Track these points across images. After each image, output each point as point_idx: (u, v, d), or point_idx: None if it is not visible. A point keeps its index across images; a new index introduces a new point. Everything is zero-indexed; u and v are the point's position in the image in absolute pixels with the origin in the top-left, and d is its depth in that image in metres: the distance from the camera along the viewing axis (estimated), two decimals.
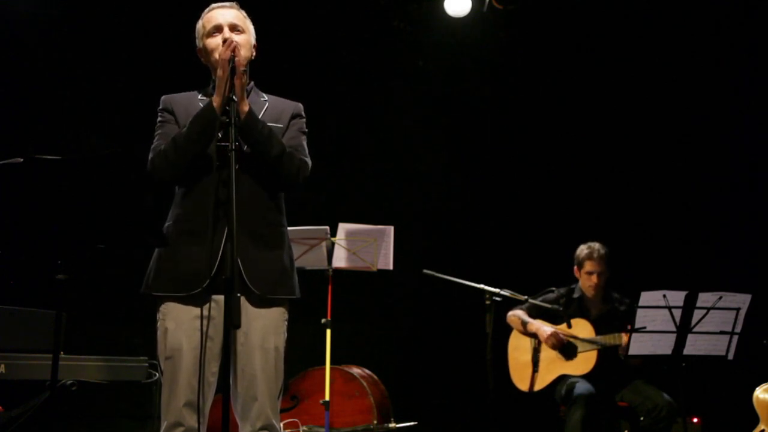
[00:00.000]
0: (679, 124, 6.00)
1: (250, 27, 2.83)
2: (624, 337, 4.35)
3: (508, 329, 4.91)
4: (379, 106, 6.21)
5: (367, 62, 6.16)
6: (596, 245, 4.78)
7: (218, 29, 2.74)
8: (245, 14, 2.84)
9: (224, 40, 2.67)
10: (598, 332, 4.59)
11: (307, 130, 2.87)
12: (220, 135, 2.59)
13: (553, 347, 4.65)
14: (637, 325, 3.79)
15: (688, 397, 4.01)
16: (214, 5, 2.82)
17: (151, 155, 2.69)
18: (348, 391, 4.70)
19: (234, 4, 2.84)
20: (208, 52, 2.76)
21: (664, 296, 3.75)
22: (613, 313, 4.75)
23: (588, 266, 4.75)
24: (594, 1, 5.97)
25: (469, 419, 5.75)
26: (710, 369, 4.27)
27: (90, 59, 5.48)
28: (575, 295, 4.83)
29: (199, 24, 2.82)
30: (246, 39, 2.76)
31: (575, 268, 4.85)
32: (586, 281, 4.77)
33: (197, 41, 2.83)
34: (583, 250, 4.81)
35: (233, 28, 2.75)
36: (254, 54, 2.82)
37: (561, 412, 4.64)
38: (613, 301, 4.81)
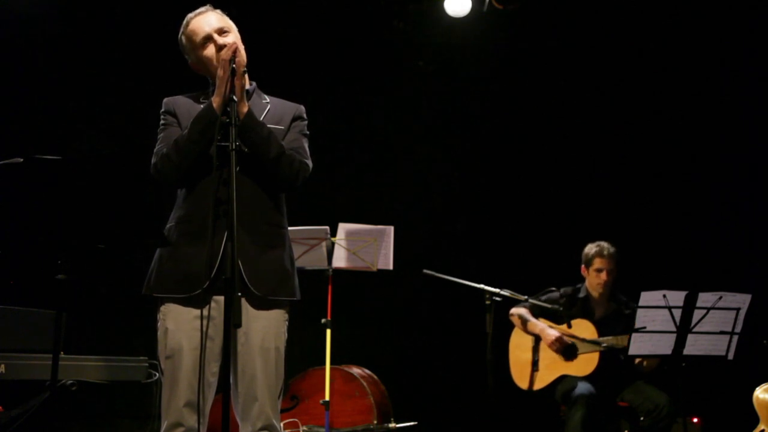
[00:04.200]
0: (679, 124, 6.00)
1: (232, 24, 2.81)
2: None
3: (509, 329, 4.91)
4: (379, 106, 6.21)
5: (367, 62, 6.15)
6: (605, 244, 4.78)
7: (209, 39, 2.73)
8: (221, 12, 2.81)
9: (221, 47, 2.66)
10: (601, 333, 4.59)
11: (308, 132, 2.87)
12: (220, 136, 2.58)
13: (557, 351, 4.64)
14: (637, 325, 3.79)
15: (688, 397, 4.01)
16: (190, 16, 2.78)
17: (153, 159, 2.68)
18: (348, 391, 4.70)
19: (209, 6, 2.81)
20: (205, 62, 2.74)
21: (664, 296, 3.75)
22: (618, 315, 4.74)
23: (597, 263, 4.74)
24: (594, 1, 5.97)
25: (469, 419, 5.75)
26: (710, 369, 4.27)
27: (90, 59, 5.48)
28: (580, 295, 4.82)
29: (183, 39, 2.79)
30: (236, 37, 2.76)
31: (582, 267, 4.84)
32: (595, 279, 4.76)
33: (187, 56, 2.81)
34: (592, 248, 4.79)
35: (221, 32, 2.73)
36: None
37: (561, 412, 4.64)
38: (619, 302, 4.79)
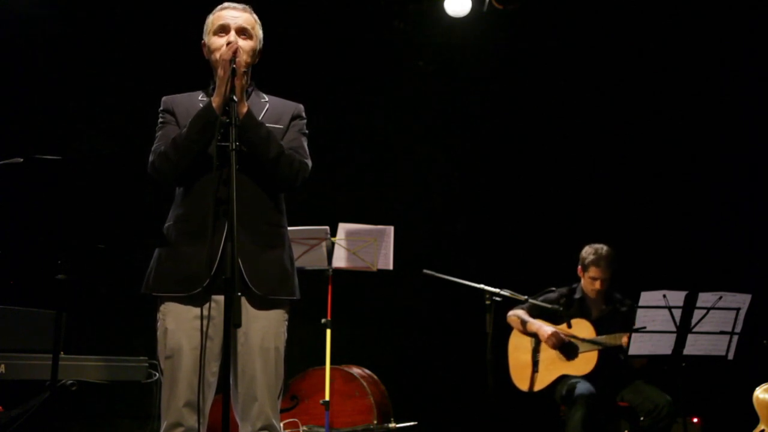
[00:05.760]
0: (679, 124, 6.00)
1: (258, 33, 2.79)
2: (626, 338, 4.34)
3: (508, 329, 4.91)
4: (379, 106, 6.21)
5: (367, 62, 6.15)
6: (603, 250, 4.71)
7: (225, 29, 2.73)
8: (257, 19, 2.80)
9: (227, 43, 2.67)
10: (598, 333, 4.59)
11: (307, 131, 2.87)
12: (219, 135, 2.58)
13: (554, 347, 4.65)
14: (637, 325, 3.79)
15: (688, 397, 4.01)
16: (228, 3, 2.80)
17: (151, 157, 2.69)
18: (348, 391, 4.70)
19: (247, 7, 2.80)
20: (210, 48, 2.75)
21: (664, 296, 3.75)
22: (615, 314, 4.74)
23: (593, 272, 4.72)
24: (594, 1, 5.97)
25: (469, 419, 5.75)
26: (710, 369, 4.27)
27: (90, 59, 5.48)
28: (576, 296, 4.82)
29: (209, 18, 2.80)
30: (251, 45, 2.74)
31: (579, 268, 4.84)
32: (589, 285, 4.76)
33: (204, 35, 2.82)
34: (590, 254, 4.74)
35: (241, 31, 2.73)
36: (257, 60, 2.80)
37: (561, 413, 4.64)
38: (614, 301, 4.80)
